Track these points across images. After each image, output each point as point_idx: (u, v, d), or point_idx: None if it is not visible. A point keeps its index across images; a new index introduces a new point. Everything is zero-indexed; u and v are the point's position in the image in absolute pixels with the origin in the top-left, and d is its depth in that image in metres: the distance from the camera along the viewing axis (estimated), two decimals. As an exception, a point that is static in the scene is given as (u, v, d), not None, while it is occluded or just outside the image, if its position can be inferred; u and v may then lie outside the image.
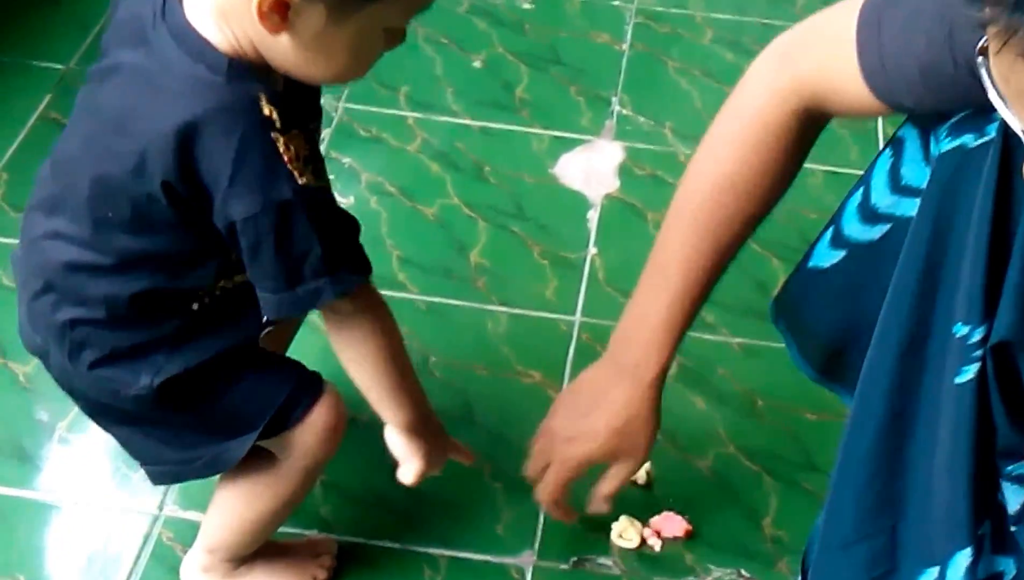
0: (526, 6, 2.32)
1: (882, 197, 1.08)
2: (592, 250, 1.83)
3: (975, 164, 0.96)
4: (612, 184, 1.96)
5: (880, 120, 2.12)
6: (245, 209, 0.99)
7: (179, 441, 1.17)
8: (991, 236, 0.95)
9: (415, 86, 2.10)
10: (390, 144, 1.99)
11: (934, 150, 1.01)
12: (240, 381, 1.15)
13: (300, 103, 1.04)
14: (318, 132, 1.12)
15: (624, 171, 1.98)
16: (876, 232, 1.09)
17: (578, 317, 1.72)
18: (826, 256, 1.16)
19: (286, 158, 0.98)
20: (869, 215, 1.10)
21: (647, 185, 1.96)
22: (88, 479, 1.48)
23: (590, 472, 1.28)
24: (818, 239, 1.18)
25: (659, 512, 1.45)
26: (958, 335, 0.98)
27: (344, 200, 1.85)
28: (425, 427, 1.22)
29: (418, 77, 2.12)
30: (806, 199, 1.93)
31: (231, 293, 1.11)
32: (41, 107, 1.95)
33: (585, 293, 1.76)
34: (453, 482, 1.42)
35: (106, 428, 1.22)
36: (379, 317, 1.12)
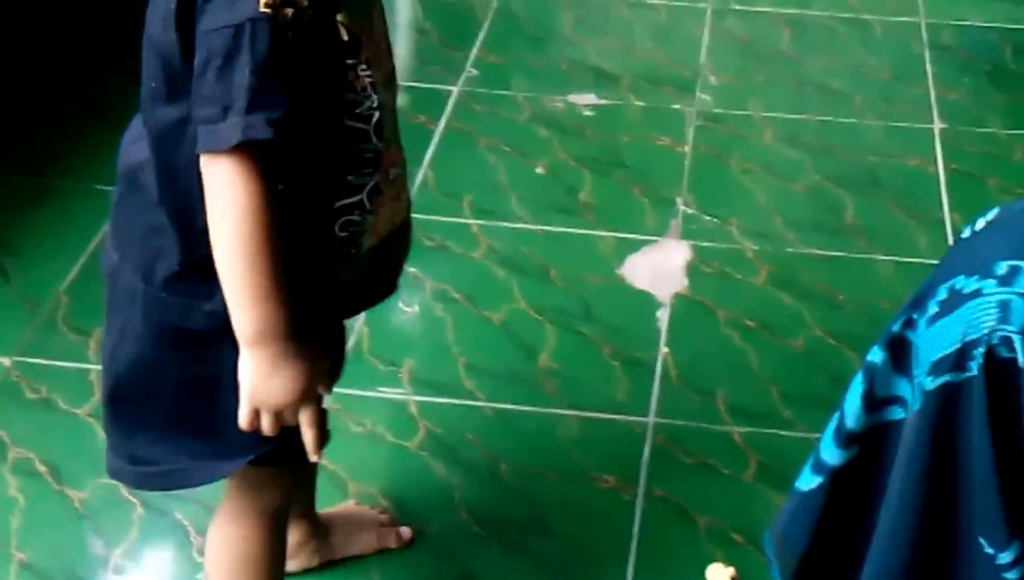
0: (587, 112, 2.34)
1: (855, 421, 1.05)
2: (663, 349, 1.81)
3: (965, 396, 0.93)
4: (680, 283, 1.94)
5: (947, 209, 2.10)
6: (209, 22, 0.96)
7: (183, 438, 1.12)
8: (996, 461, 0.92)
9: (479, 194, 2.11)
10: (455, 252, 1.99)
11: (913, 386, 0.98)
12: None
13: None
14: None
15: (692, 270, 1.97)
16: (849, 455, 1.06)
17: (652, 418, 1.69)
18: (807, 480, 1.12)
19: None
20: (843, 440, 1.06)
21: (716, 283, 1.94)
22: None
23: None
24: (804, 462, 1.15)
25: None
26: (986, 551, 0.95)
27: (408, 309, 1.85)
28: (278, 353, 1.02)
29: (482, 185, 2.14)
30: (877, 289, 1.90)
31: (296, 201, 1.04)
32: (100, 232, 1.99)
33: (658, 393, 1.73)
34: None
35: (123, 413, 1.15)
36: (258, 181, 0.98)
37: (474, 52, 2.49)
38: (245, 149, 0.96)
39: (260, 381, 1.02)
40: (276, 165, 1.00)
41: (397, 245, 1.18)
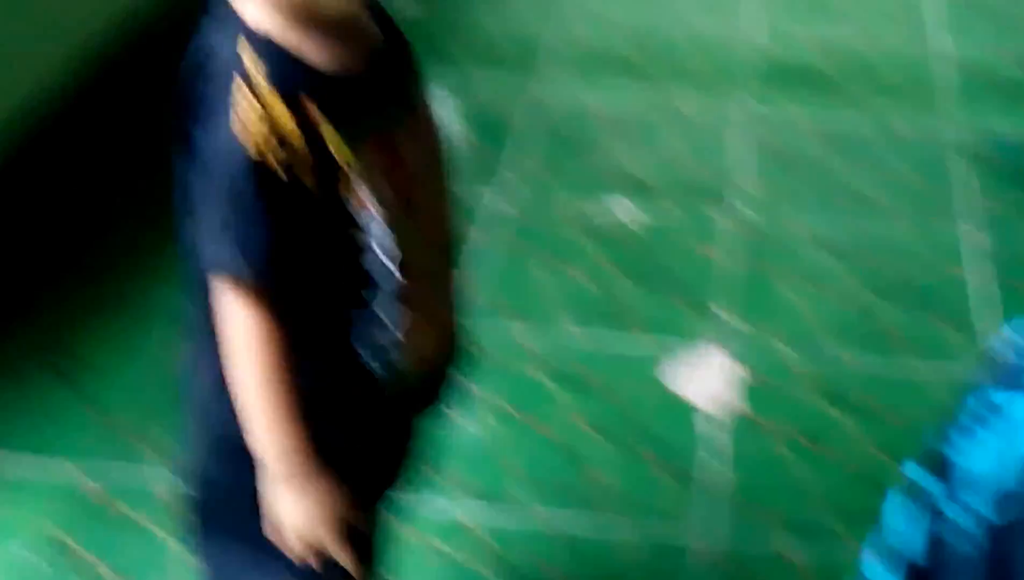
0: (627, 222, 2.39)
1: (904, 544, 1.04)
2: (707, 460, 1.82)
3: None
4: (723, 393, 1.96)
5: (986, 319, 2.11)
6: (201, 149, 0.95)
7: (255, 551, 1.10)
8: None
9: (523, 304, 2.15)
10: (498, 360, 2.02)
11: (960, 505, 0.98)
12: None
13: (328, 83, 0.96)
14: (364, 133, 0.99)
15: (734, 379, 1.99)
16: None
17: (696, 530, 1.70)
18: None
19: (234, 103, 0.92)
20: (893, 563, 1.06)
21: (757, 391, 1.96)
22: None
23: None
24: None
25: None
26: None
27: (456, 418, 1.87)
28: (296, 482, 1.03)
29: (525, 295, 2.18)
30: (922, 400, 1.91)
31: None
32: (169, 341, 2.03)
33: (702, 505, 1.74)
34: None
35: (203, 528, 1.14)
36: (262, 320, 0.98)
37: (514, 162, 2.55)
38: (243, 283, 0.96)
39: (281, 508, 1.02)
40: (280, 286, 0.99)
41: (448, 361, 1.19)
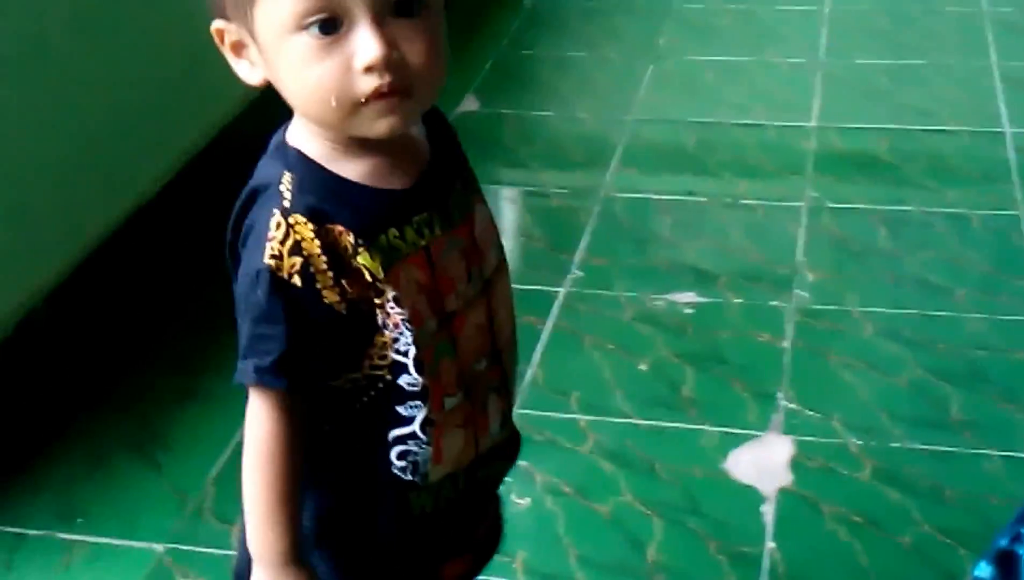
0: (687, 310, 2.42)
1: None
2: (770, 544, 1.83)
3: None
4: (785, 478, 1.97)
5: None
6: (239, 271, 1.01)
7: None
8: None
9: (586, 390, 2.19)
10: (563, 446, 2.06)
11: None
12: None
13: (373, 203, 0.99)
14: (388, 243, 0.99)
15: (796, 465, 2.00)
16: None
17: (760, 613, 1.70)
18: None
19: (269, 235, 0.96)
20: None
21: (820, 478, 1.96)
22: None
23: None
24: None
25: None
26: None
27: (520, 501, 1.91)
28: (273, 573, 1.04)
29: (588, 381, 2.22)
30: (985, 486, 1.90)
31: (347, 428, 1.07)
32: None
33: (765, 588, 1.74)
34: None
35: None
36: (275, 418, 1.01)
37: (578, 255, 2.62)
38: (260, 387, 1.00)
39: None
40: (298, 399, 1.01)
41: (489, 469, 1.15)
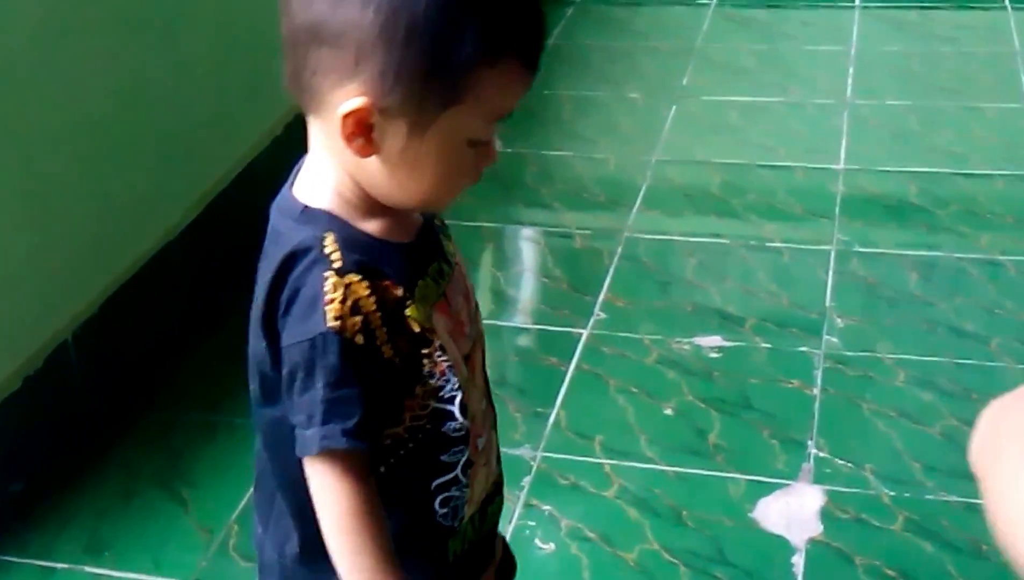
0: (713, 355, 2.38)
1: None
2: (800, 598, 1.77)
3: None
4: (815, 528, 1.91)
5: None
6: (288, 337, 1.01)
7: None
8: None
9: (610, 435, 2.14)
10: (588, 491, 2.01)
11: None
12: None
13: (401, 257, 1.04)
14: (424, 291, 1.05)
15: (826, 515, 1.94)
16: None
17: (791, 670, 1.64)
18: None
19: (327, 298, 0.98)
20: None
21: (851, 528, 1.91)
22: None
23: None
24: None
25: None
26: None
27: (545, 547, 1.86)
28: None
29: (612, 426, 2.17)
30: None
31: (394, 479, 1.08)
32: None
33: (797, 644, 1.69)
34: None
35: None
36: (362, 480, 1.02)
37: (602, 297, 2.57)
38: (332, 453, 1.01)
39: None
40: (369, 459, 1.03)
41: (493, 504, 1.19)
